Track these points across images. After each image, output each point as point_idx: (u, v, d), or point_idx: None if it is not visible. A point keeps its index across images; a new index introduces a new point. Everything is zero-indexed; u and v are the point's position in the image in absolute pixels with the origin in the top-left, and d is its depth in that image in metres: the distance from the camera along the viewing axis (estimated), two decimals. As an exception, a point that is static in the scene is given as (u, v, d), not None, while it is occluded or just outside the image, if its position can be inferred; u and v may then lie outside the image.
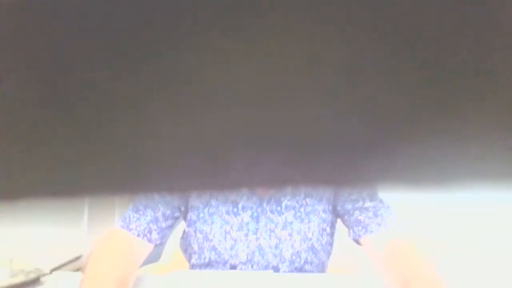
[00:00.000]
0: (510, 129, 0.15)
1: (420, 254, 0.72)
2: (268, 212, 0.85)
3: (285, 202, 0.86)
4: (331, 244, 0.92)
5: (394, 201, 0.85)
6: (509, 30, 0.14)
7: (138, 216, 0.82)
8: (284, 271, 0.86)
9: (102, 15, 0.14)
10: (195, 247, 0.88)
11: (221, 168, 0.16)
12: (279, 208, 0.86)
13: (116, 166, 0.16)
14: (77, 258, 1.69)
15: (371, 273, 0.82)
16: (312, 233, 0.86)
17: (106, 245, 0.78)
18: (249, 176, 0.16)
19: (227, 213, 0.85)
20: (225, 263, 0.86)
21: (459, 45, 0.14)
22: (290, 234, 0.85)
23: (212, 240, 0.86)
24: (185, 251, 0.97)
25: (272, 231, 0.85)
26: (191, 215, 0.88)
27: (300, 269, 0.87)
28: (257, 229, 0.85)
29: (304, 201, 0.86)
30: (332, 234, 0.91)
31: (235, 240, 0.85)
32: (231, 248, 0.85)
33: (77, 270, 1.62)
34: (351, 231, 0.84)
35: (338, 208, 0.87)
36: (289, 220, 0.85)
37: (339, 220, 0.91)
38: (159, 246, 0.86)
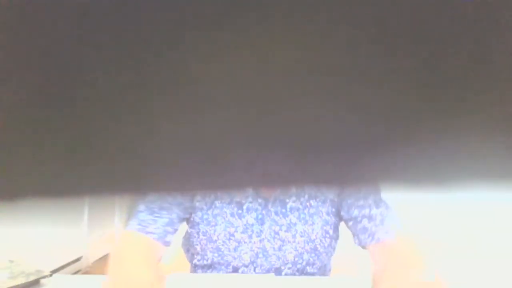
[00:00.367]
0: (510, 129, 0.15)
1: (422, 256, 0.71)
2: (273, 214, 0.85)
3: (290, 203, 0.85)
4: (333, 248, 0.92)
5: (394, 201, 0.85)
6: (509, 30, 0.14)
7: (154, 218, 0.81)
8: (286, 273, 0.86)
9: (103, 15, 0.14)
10: (198, 248, 0.88)
11: (221, 168, 0.16)
12: (284, 210, 0.85)
13: (116, 167, 0.16)
14: (77, 259, 1.69)
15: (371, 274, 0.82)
16: (316, 235, 0.85)
17: (128, 249, 0.76)
18: (250, 176, 0.16)
19: (232, 215, 0.85)
20: (227, 265, 0.86)
21: (459, 45, 0.14)
22: (294, 236, 0.85)
23: (216, 241, 0.85)
24: (187, 251, 0.96)
25: (276, 233, 0.85)
26: (194, 217, 0.87)
27: (302, 271, 0.87)
28: (261, 231, 0.85)
29: (308, 203, 0.86)
30: (336, 238, 0.91)
31: (239, 242, 0.85)
32: (235, 250, 0.85)
33: (77, 271, 1.63)
34: (356, 238, 0.83)
35: (342, 213, 0.87)
36: (293, 221, 0.85)
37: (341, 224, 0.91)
38: None
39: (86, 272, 1.62)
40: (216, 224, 0.85)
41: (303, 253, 0.85)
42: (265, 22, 0.14)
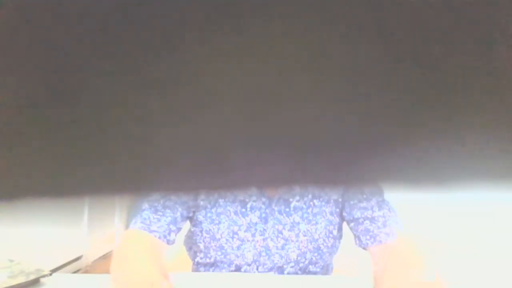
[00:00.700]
0: (510, 129, 0.15)
1: (415, 257, 0.72)
2: (277, 213, 0.85)
3: (293, 203, 0.86)
4: (337, 248, 0.92)
5: (394, 201, 0.85)
6: (508, 31, 0.14)
7: (158, 217, 0.81)
8: (288, 272, 0.86)
9: (103, 15, 0.14)
10: (201, 246, 0.88)
11: (222, 168, 0.16)
12: (287, 209, 0.85)
13: (116, 166, 0.16)
14: (77, 258, 1.69)
15: (371, 274, 0.82)
16: (319, 235, 0.86)
17: (131, 247, 0.76)
18: (251, 175, 0.16)
19: (235, 213, 0.85)
20: (230, 263, 0.86)
21: (459, 45, 0.14)
22: (297, 235, 0.85)
23: (219, 239, 0.85)
24: (189, 249, 0.96)
25: (280, 232, 0.85)
26: (198, 215, 0.87)
27: (304, 270, 0.87)
28: (264, 230, 0.85)
29: (311, 202, 0.86)
30: (339, 238, 0.91)
31: (242, 241, 0.85)
32: (238, 248, 0.85)
33: (77, 270, 1.63)
34: (357, 239, 0.84)
35: (344, 214, 0.87)
36: (296, 221, 0.85)
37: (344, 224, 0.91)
38: None
39: (86, 271, 1.62)
40: (219, 223, 0.85)
41: (306, 252, 0.85)
42: (265, 23, 0.14)
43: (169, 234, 0.81)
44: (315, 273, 0.88)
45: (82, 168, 0.16)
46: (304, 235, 0.85)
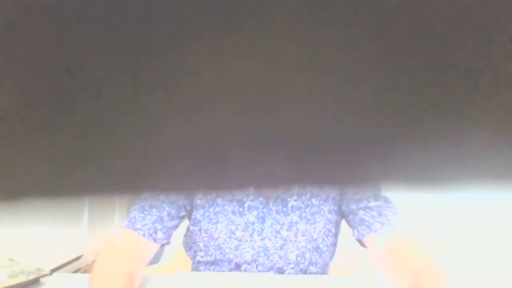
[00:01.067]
0: (510, 129, 0.15)
1: (422, 252, 0.73)
2: (274, 212, 0.85)
3: (291, 202, 0.86)
4: (335, 245, 0.92)
5: (394, 201, 0.85)
6: (509, 31, 0.14)
7: (143, 216, 0.82)
8: (289, 273, 0.85)
9: (103, 15, 0.14)
10: (201, 245, 0.88)
11: (221, 168, 0.16)
12: (285, 209, 0.85)
13: (116, 167, 0.16)
14: (77, 258, 1.69)
15: (371, 274, 0.83)
16: (318, 234, 0.85)
17: (112, 245, 0.78)
18: (250, 175, 0.16)
19: (233, 212, 0.85)
20: (230, 262, 0.86)
21: (459, 46, 0.14)
22: (295, 235, 0.85)
23: (217, 239, 0.85)
24: (189, 248, 0.96)
25: (278, 231, 0.85)
26: (196, 214, 0.88)
27: (305, 271, 0.87)
28: (262, 230, 0.85)
29: (309, 202, 0.86)
30: (336, 234, 0.91)
31: (240, 240, 0.85)
32: (236, 248, 0.85)
33: (77, 270, 1.63)
34: (355, 231, 0.84)
35: (343, 207, 0.87)
36: (294, 220, 0.85)
37: (343, 221, 0.91)
38: (161, 247, 0.86)
39: (86, 271, 1.62)
40: (217, 222, 0.85)
41: (305, 252, 0.85)
42: (265, 23, 0.14)
43: (155, 232, 0.82)
44: (315, 273, 0.88)
45: (81, 168, 0.16)
46: (303, 235, 0.85)
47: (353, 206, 0.85)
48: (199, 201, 0.88)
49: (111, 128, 0.16)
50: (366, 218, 0.82)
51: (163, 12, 0.14)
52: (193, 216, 0.89)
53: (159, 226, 0.82)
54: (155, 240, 0.81)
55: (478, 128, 0.15)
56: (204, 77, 0.15)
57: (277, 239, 0.85)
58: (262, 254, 0.85)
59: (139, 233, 0.80)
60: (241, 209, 0.85)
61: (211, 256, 0.88)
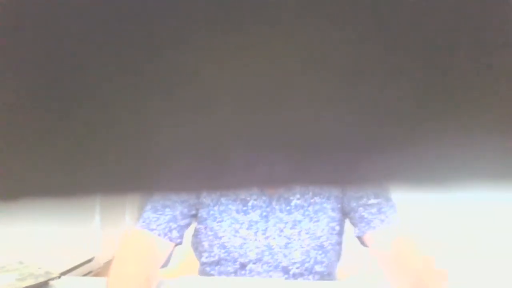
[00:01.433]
0: (510, 129, 0.15)
1: (422, 251, 0.73)
2: (278, 211, 0.86)
3: (294, 201, 0.86)
4: (340, 244, 0.92)
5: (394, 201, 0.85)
6: (509, 31, 0.14)
7: (157, 216, 0.84)
8: (294, 273, 0.85)
9: (103, 15, 0.14)
10: (206, 245, 0.89)
11: (223, 169, 0.16)
12: (288, 207, 0.86)
13: (118, 167, 0.16)
14: (89, 260, 1.68)
15: (378, 277, 0.82)
16: (321, 232, 0.85)
17: (129, 246, 0.79)
18: (252, 176, 0.16)
19: (237, 211, 0.86)
20: (234, 261, 0.86)
21: (459, 47, 0.14)
22: (299, 233, 0.85)
23: (221, 237, 0.86)
24: (195, 249, 0.96)
25: (281, 230, 0.85)
26: (202, 212, 0.89)
27: (311, 270, 0.86)
28: (266, 228, 0.85)
29: (312, 200, 0.86)
30: (341, 233, 0.91)
31: (245, 239, 0.85)
32: (240, 247, 0.85)
33: (89, 272, 1.62)
34: (356, 228, 0.85)
35: (345, 205, 0.88)
36: (298, 219, 0.85)
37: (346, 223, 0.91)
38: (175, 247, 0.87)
39: (98, 274, 1.62)
40: (222, 220, 0.86)
41: (310, 250, 0.85)
42: (265, 24, 0.14)
43: (170, 231, 0.84)
44: (321, 273, 0.87)
45: (84, 169, 0.16)
46: (307, 233, 0.85)
47: (354, 204, 0.86)
48: (204, 200, 0.89)
49: (114, 128, 0.16)
50: (366, 215, 0.83)
51: (163, 13, 0.14)
52: (199, 214, 0.90)
53: (173, 225, 0.84)
54: (171, 239, 0.83)
55: (478, 128, 0.15)
56: (206, 78, 0.15)
57: (281, 237, 0.85)
58: (266, 253, 0.85)
59: (154, 233, 0.82)
60: (244, 208, 0.86)
61: (215, 256, 0.88)
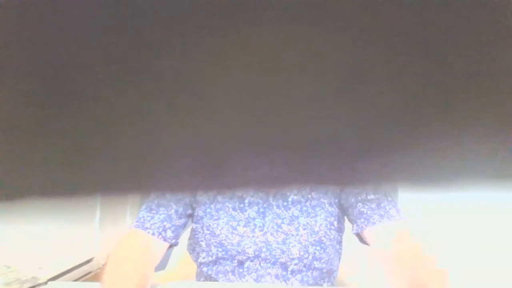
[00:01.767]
0: (510, 129, 0.15)
1: (423, 248, 0.72)
2: (275, 207, 0.85)
3: (291, 196, 0.86)
4: (339, 243, 0.90)
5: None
6: (509, 33, 0.14)
7: (151, 215, 0.83)
8: (292, 269, 0.83)
9: (103, 15, 0.14)
10: (203, 244, 0.87)
11: (222, 169, 0.16)
12: (285, 203, 0.85)
13: (117, 166, 0.16)
14: (88, 261, 1.66)
15: (375, 277, 0.83)
16: (319, 227, 0.84)
17: (123, 245, 0.78)
18: (251, 176, 0.16)
19: (234, 209, 0.86)
20: (232, 259, 0.85)
21: (460, 47, 0.14)
22: (297, 229, 0.84)
23: (219, 235, 0.85)
24: (192, 250, 0.94)
25: (279, 226, 0.84)
26: (198, 211, 0.88)
27: (309, 266, 0.84)
28: (263, 225, 0.84)
29: (309, 195, 0.86)
30: (340, 231, 0.90)
31: (242, 236, 0.84)
32: (238, 244, 0.84)
33: (88, 273, 1.60)
34: (354, 225, 0.83)
35: (342, 201, 0.87)
36: (295, 214, 0.84)
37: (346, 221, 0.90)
38: (169, 250, 0.86)
39: (97, 274, 1.60)
40: (219, 218, 0.85)
41: (308, 246, 0.83)
42: (265, 24, 0.14)
43: (164, 231, 0.82)
44: (320, 269, 0.85)
45: (84, 169, 0.16)
46: (304, 229, 0.83)
47: (352, 199, 0.84)
48: (200, 198, 0.88)
49: (114, 129, 0.16)
50: (365, 211, 0.81)
51: (163, 13, 0.14)
52: (196, 213, 0.89)
53: (168, 225, 0.83)
54: (164, 238, 0.82)
55: (478, 128, 0.15)
56: (205, 78, 0.15)
57: (279, 233, 0.84)
58: (264, 249, 0.83)
59: (148, 232, 0.81)
60: (241, 205, 0.86)
61: (212, 255, 0.86)
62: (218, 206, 0.87)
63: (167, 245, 0.83)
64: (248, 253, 0.84)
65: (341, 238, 0.91)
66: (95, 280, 1.22)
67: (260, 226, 0.85)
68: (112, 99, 0.15)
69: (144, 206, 0.86)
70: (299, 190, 0.86)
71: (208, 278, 0.87)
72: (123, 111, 0.16)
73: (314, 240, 0.84)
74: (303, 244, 0.84)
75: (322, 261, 0.86)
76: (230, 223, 0.85)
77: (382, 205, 0.81)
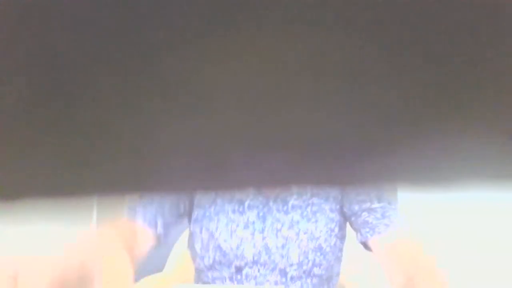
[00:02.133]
0: (510, 129, 0.15)
1: (425, 252, 0.73)
2: (275, 211, 0.84)
3: (291, 201, 0.85)
4: (341, 250, 0.89)
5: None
6: (509, 31, 0.14)
7: (144, 206, 0.83)
8: (292, 276, 0.82)
9: (103, 15, 0.14)
10: (198, 248, 0.86)
11: (221, 169, 0.16)
12: (285, 208, 0.84)
13: (115, 167, 0.16)
14: (85, 261, 1.65)
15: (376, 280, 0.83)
16: (320, 232, 0.83)
17: (111, 235, 0.77)
18: (250, 176, 0.16)
19: (233, 211, 0.85)
20: (230, 264, 0.83)
21: (459, 45, 0.14)
22: (297, 234, 0.83)
23: (217, 238, 0.84)
24: (192, 256, 0.94)
25: (279, 230, 0.83)
26: (197, 213, 0.87)
27: (309, 273, 0.83)
28: (263, 229, 0.83)
29: (310, 201, 0.85)
30: (341, 238, 0.89)
31: (241, 239, 0.83)
32: (237, 248, 0.83)
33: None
34: (358, 234, 0.82)
35: (345, 209, 0.86)
36: (295, 219, 0.83)
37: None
38: (163, 249, 0.85)
39: (94, 275, 1.59)
40: (218, 221, 0.85)
41: (308, 252, 0.83)
42: (264, 24, 0.14)
43: (155, 223, 0.82)
44: (320, 276, 0.84)
45: (81, 169, 0.16)
46: (304, 234, 0.82)
47: (356, 207, 0.83)
48: (198, 201, 0.88)
49: (113, 129, 0.16)
50: (370, 220, 0.80)
51: (163, 12, 0.14)
52: (194, 216, 0.88)
53: (159, 219, 0.82)
54: (154, 230, 0.81)
55: (478, 128, 0.15)
56: (204, 78, 0.15)
57: (279, 238, 0.83)
58: (263, 253, 0.82)
59: (138, 223, 0.80)
60: (240, 208, 0.85)
61: (209, 259, 0.85)
62: (217, 208, 0.86)
63: (155, 239, 0.82)
64: (247, 257, 0.83)
65: (343, 246, 0.91)
66: (92, 282, 1.20)
67: (259, 230, 0.84)
68: (111, 99, 0.15)
69: (136, 199, 0.85)
70: (299, 195, 0.86)
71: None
72: (122, 111, 0.16)
73: (314, 246, 0.83)
74: (303, 249, 0.83)
75: (322, 267, 0.85)
76: (229, 225, 0.84)
77: (387, 214, 0.80)
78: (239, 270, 0.83)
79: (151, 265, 1.00)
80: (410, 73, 0.14)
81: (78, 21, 0.14)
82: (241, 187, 0.17)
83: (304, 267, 0.83)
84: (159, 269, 1.08)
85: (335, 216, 0.86)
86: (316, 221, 0.84)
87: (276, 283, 0.82)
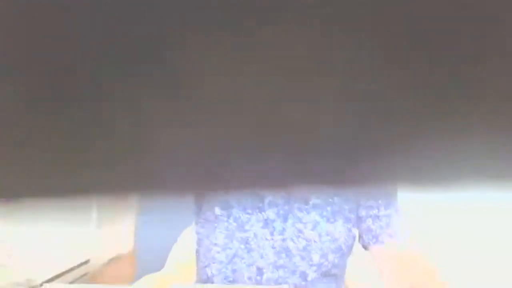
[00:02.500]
0: (510, 129, 0.15)
1: (427, 264, 0.73)
2: (296, 210, 0.80)
3: (313, 200, 0.81)
4: (352, 249, 0.88)
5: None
6: (509, 30, 0.14)
7: None
8: (311, 278, 0.80)
9: (103, 15, 0.14)
10: (219, 242, 0.82)
11: (221, 170, 0.16)
12: (307, 206, 0.80)
13: (116, 167, 0.16)
14: (85, 262, 1.65)
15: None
16: (339, 233, 0.81)
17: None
18: (250, 177, 0.17)
19: (252, 208, 0.81)
20: (251, 264, 0.80)
21: (459, 45, 0.14)
22: (320, 235, 0.79)
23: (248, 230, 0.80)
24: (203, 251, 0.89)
25: (301, 231, 0.79)
26: (209, 214, 0.83)
27: (327, 274, 0.81)
28: (284, 229, 0.79)
29: (331, 200, 0.81)
30: (354, 237, 0.87)
31: (260, 239, 0.79)
32: (258, 247, 0.80)
33: (84, 274, 1.59)
34: (360, 237, 0.82)
35: (358, 211, 0.84)
36: (317, 219, 0.80)
37: None
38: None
39: (94, 276, 1.59)
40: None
41: (328, 253, 0.80)
42: (264, 24, 0.14)
43: None
44: (335, 275, 0.83)
45: (81, 169, 0.16)
46: (327, 235, 0.79)
47: (362, 213, 0.82)
48: (209, 200, 0.83)
49: (111, 128, 0.16)
50: (373, 228, 0.80)
51: (163, 12, 0.14)
52: (204, 217, 0.84)
53: None
54: None
55: (478, 128, 0.15)
56: (204, 78, 0.15)
57: (300, 239, 0.79)
58: (283, 255, 0.79)
59: None
60: (260, 204, 0.80)
61: (227, 256, 0.81)
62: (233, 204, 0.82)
63: None
64: (268, 258, 0.80)
65: (354, 243, 0.89)
66: (91, 282, 1.21)
67: (280, 230, 0.80)
68: (111, 99, 0.15)
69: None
70: (321, 193, 0.82)
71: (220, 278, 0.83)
72: (122, 111, 0.16)
73: (335, 247, 0.81)
74: (324, 251, 0.80)
75: (338, 267, 0.83)
76: (247, 224, 0.81)
77: (392, 223, 0.80)
78: (259, 270, 0.80)
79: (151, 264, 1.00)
80: (410, 73, 0.14)
81: (78, 20, 0.14)
82: (241, 187, 0.17)
83: (323, 269, 0.80)
84: (159, 268, 1.08)
85: (353, 216, 0.84)
86: (335, 221, 0.81)
87: (295, 285, 0.79)
